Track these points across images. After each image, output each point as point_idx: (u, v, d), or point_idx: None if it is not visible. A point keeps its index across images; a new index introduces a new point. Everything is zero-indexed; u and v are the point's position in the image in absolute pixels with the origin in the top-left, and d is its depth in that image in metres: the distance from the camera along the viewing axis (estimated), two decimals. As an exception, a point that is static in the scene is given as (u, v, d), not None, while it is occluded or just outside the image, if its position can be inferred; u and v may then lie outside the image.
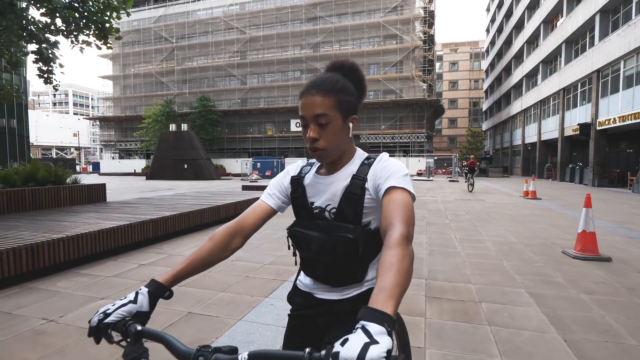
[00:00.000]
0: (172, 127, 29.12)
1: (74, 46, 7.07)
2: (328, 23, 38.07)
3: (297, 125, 39.38)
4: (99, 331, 0.78)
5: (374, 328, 0.57)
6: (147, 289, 0.85)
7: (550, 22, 26.84)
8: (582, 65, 20.60)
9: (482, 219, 7.96)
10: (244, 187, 13.48)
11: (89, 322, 0.79)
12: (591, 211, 4.73)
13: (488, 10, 50.78)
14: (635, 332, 2.64)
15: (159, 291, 0.86)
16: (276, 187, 1.09)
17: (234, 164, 36.83)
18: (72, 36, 6.86)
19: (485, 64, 53.30)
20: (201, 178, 26.82)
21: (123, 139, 45.61)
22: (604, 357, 2.29)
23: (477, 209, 9.59)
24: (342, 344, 0.56)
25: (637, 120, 15.24)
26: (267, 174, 30.05)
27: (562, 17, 23.92)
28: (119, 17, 7.31)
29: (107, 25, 6.92)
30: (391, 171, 0.92)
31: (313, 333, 1.07)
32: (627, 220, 7.79)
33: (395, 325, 0.59)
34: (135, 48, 44.09)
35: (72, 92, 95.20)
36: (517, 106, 34.45)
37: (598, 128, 18.69)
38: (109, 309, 0.80)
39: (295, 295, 1.14)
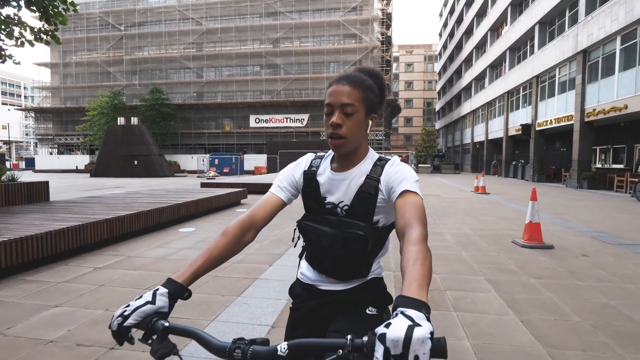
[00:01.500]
0: (121, 120, 27.38)
1: (15, 40, 6.41)
2: (288, 19, 37.76)
3: (257, 121, 38.74)
4: (121, 335, 0.77)
5: (414, 313, 0.59)
6: (166, 290, 0.82)
7: (496, 30, 28.74)
8: (523, 70, 22.32)
9: (440, 213, 8.38)
10: (203, 185, 13.03)
11: (110, 326, 0.78)
12: (537, 204, 5.15)
13: (441, 15, 53.21)
14: (578, 310, 2.94)
15: (179, 292, 0.83)
16: (287, 180, 1.10)
17: (189, 160, 35.44)
18: (11, 27, 6.19)
19: (438, 66, 55.87)
20: (153, 175, 25.52)
21: (63, 133, 41.96)
22: (555, 334, 2.53)
23: (434, 204, 10.08)
24: (386, 327, 0.57)
25: (570, 122, 16.83)
26: (225, 170, 29.22)
27: (506, 25, 25.71)
28: (74, 6, 6.74)
29: (53, 10, 6.33)
30: (404, 175, 0.96)
31: (316, 323, 1.09)
32: (564, 212, 8.60)
33: (430, 312, 0.62)
34: (78, 34, 40.66)
35: (0, 79, 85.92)
36: (466, 107, 36.55)
37: (537, 129, 20.39)
38: (125, 311, 0.77)
39: (298, 288, 1.16)
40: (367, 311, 1.06)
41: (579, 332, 2.57)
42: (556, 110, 18.58)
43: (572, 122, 16.50)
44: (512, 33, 24.08)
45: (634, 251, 4.84)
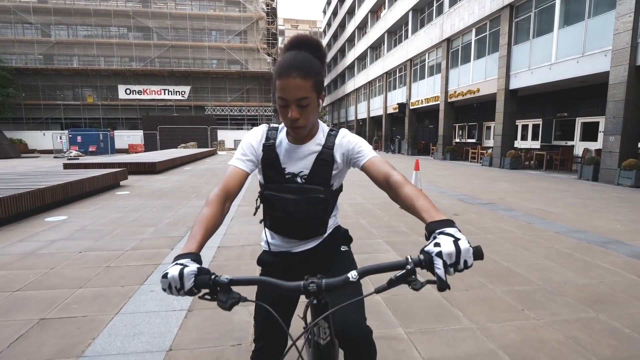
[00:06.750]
0: None
1: None
2: (161, -25, 33.44)
3: (128, 92, 33.97)
4: (192, 294, 0.79)
5: (451, 230, 0.76)
6: (188, 258, 0.81)
7: (375, 12, 30.85)
8: (399, 53, 24.71)
9: (335, 185, 8.88)
10: (67, 166, 10.96)
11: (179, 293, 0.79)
12: (420, 173, 5.91)
13: (324, -8, 54.30)
14: (458, 259, 3.55)
15: (197, 258, 0.83)
16: (250, 152, 1.14)
17: (40, 138, 29.21)
18: None
19: (323, 43, 57.43)
20: (-9, 156, 20.36)
21: None
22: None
23: (328, 177, 10.61)
24: (436, 246, 0.73)
25: (437, 102, 19.55)
26: (90, 149, 25.05)
27: (385, 9, 27.82)
28: None
29: None
30: (361, 145, 1.13)
31: (296, 277, 1.13)
32: (435, 180, 10.09)
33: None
34: None
35: None
36: (350, 85, 38.87)
37: (411, 107, 23.08)
38: (177, 286, 0.78)
39: (268, 256, 1.24)
40: (342, 249, 1.29)
41: (460, 276, 3.11)
42: (426, 91, 21.28)
43: (438, 102, 19.19)
44: (389, 17, 26.21)
45: (489, 209, 6.02)
